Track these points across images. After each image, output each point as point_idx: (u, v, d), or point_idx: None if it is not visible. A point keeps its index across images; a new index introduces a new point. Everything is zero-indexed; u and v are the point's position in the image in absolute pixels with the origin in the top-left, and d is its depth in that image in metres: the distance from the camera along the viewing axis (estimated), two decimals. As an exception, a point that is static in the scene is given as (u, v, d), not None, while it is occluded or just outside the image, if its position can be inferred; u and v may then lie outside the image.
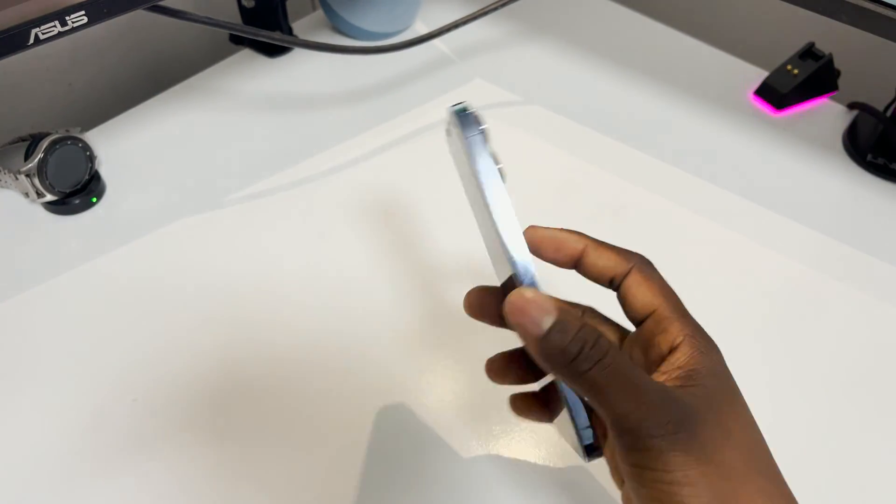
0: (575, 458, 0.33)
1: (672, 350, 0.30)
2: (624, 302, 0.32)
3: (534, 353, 0.26)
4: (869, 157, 0.58)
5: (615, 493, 0.31)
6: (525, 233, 0.32)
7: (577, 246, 0.32)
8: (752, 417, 0.29)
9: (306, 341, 0.46)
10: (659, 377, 0.29)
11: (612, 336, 0.33)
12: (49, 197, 0.51)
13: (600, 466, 0.32)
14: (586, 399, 0.28)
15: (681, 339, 0.30)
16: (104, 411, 0.43)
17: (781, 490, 0.28)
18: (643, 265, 0.32)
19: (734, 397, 0.29)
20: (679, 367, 0.29)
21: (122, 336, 0.46)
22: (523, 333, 0.26)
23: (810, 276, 0.50)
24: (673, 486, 0.26)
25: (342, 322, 0.47)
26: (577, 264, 0.33)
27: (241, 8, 0.65)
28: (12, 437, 0.42)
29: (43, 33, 0.43)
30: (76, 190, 0.53)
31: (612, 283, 0.32)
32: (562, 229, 0.33)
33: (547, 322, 0.26)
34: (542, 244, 0.33)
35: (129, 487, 0.39)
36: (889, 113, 0.59)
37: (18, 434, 0.42)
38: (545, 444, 0.41)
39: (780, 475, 0.29)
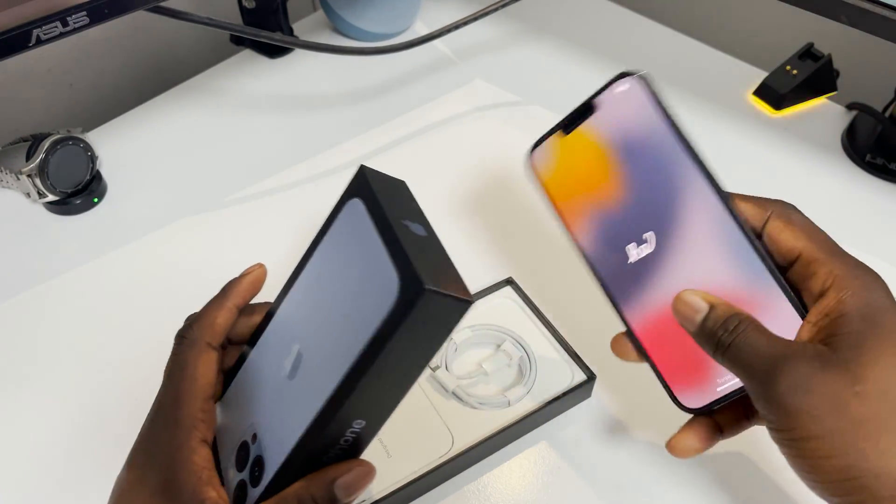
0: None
1: (822, 294, 0.30)
2: (770, 250, 0.32)
3: (696, 341, 0.31)
4: (868, 157, 0.58)
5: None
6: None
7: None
8: None
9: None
10: (807, 327, 0.30)
11: None
12: (50, 197, 0.52)
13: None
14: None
15: (830, 281, 0.30)
16: (105, 411, 0.43)
17: None
18: (782, 210, 0.33)
19: (884, 343, 0.28)
20: (826, 315, 0.29)
21: (123, 336, 0.46)
22: (686, 327, 0.31)
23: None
24: (800, 442, 0.28)
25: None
26: None
27: (242, 8, 0.65)
28: (12, 436, 0.42)
29: (44, 34, 0.43)
30: (77, 190, 0.53)
31: (758, 234, 0.33)
32: None
33: (698, 318, 0.31)
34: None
35: (130, 486, 0.39)
36: (888, 113, 0.59)
37: (19, 434, 0.42)
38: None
39: None
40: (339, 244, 0.31)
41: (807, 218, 0.33)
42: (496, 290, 0.46)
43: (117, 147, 0.58)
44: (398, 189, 0.31)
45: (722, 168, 0.57)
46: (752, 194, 0.34)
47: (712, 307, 0.31)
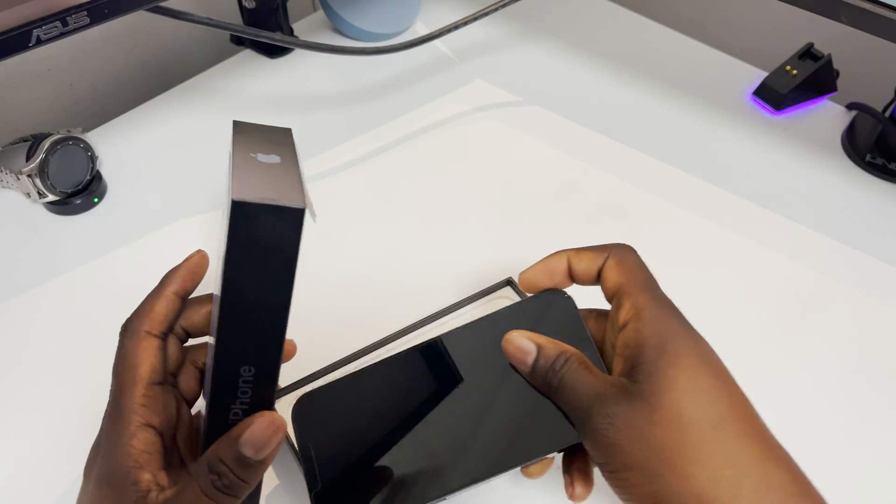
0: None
1: (624, 325, 0.32)
2: (603, 289, 0.34)
3: (531, 382, 0.33)
4: (868, 157, 0.58)
5: None
6: (519, 280, 0.36)
7: (561, 264, 0.35)
8: (709, 382, 0.30)
9: (306, 340, 0.46)
10: (618, 358, 0.31)
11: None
12: (51, 197, 0.52)
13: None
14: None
15: (632, 313, 0.32)
16: (104, 411, 0.43)
17: (739, 456, 0.28)
18: (617, 251, 0.34)
19: (676, 368, 0.30)
20: (627, 345, 0.31)
21: (124, 335, 0.46)
22: (520, 370, 0.33)
23: (809, 276, 0.51)
24: (614, 474, 0.30)
25: (342, 321, 0.47)
26: (572, 278, 0.35)
27: (242, 9, 0.65)
28: (13, 436, 0.42)
29: (44, 34, 0.43)
30: (77, 190, 0.53)
31: (594, 279, 0.35)
32: (546, 258, 0.36)
33: (530, 358, 0.33)
34: (536, 281, 0.36)
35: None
36: (888, 113, 0.59)
37: (19, 433, 0.42)
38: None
39: (748, 436, 0.29)
40: (224, 206, 0.30)
41: (638, 259, 0.34)
42: (496, 290, 0.46)
43: (117, 147, 0.58)
44: (272, 133, 0.30)
45: (722, 168, 0.58)
46: (592, 245, 0.35)
47: (540, 348, 0.32)
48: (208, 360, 0.32)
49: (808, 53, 0.63)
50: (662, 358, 0.30)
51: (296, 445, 0.34)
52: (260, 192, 0.25)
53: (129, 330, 0.32)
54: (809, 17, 0.53)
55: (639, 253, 0.35)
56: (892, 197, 0.56)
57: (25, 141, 0.55)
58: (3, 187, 0.54)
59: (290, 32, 0.67)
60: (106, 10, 0.45)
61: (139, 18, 0.50)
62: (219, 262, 0.28)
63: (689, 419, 0.29)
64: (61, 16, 0.43)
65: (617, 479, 0.30)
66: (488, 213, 0.54)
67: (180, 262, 0.33)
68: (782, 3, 0.53)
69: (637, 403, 0.29)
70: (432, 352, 0.35)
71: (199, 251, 0.33)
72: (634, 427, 0.29)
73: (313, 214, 0.26)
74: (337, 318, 0.47)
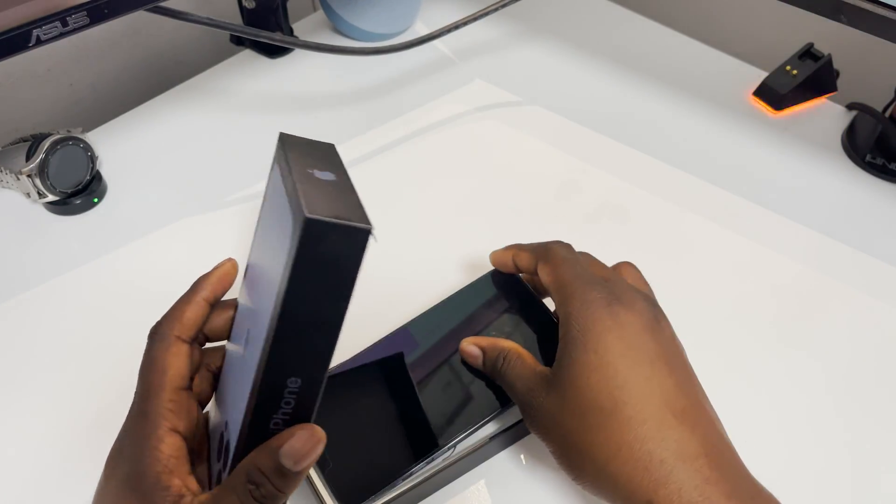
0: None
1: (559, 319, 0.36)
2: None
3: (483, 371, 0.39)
4: (868, 157, 0.58)
5: None
6: (490, 257, 0.43)
7: (507, 255, 0.41)
8: (615, 362, 0.33)
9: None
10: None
11: None
12: (50, 197, 0.52)
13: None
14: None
15: (560, 310, 0.36)
16: (106, 411, 0.43)
17: (621, 438, 0.32)
18: (545, 252, 0.38)
19: (576, 358, 0.34)
20: (561, 338, 0.35)
21: (124, 336, 0.46)
22: (475, 366, 0.39)
23: (809, 276, 0.51)
24: (556, 458, 0.35)
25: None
26: (518, 267, 0.41)
27: (242, 9, 0.65)
28: (13, 436, 0.42)
29: (44, 34, 0.43)
30: (77, 190, 0.53)
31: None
32: (503, 248, 0.42)
33: (479, 361, 0.38)
34: (495, 264, 0.43)
35: (130, 486, 0.39)
36: (888, 113, 0.59)
37: (19, 433, 0.42)
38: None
39: (653, 405, 0.32)
40: (264, 216, 0.31)
41: (564, 254, 0.38)
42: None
43: (117, 147, 0.58)
44: (319, 149, 0.31)
45: (722, 168, 0.58)
46: (531, 243, 0.41)
47: (483, 351, 0.38)
48: (230, 366, 0.32)
49: (808, 53, 0.63)
50: (573, 350, 0.34)
51: None
52: (330, 211, 0.26)
53: (158, 334, 0.32)
54: (809, 17, 0.53)
55: (572, 246, 0.39)
56: (892, 197, 0.56)
57: (25, 141, 0.55)
58: (3, 187, 0.54)
59: (290, 32, 0.67)
60: (106, 10, 0.45)
61: (139, 18, 0.50)
62: (265, 273, 0.29)
63: (587, 407, 0.33)
64: (61, 16, 0.43)
65: (556, 460, 0.35)
66: (488, 213, 0.54)
67: (211, 268, 0.34)
68: (782, 3, 0.53)
69: (553, 395, 0.34)
70: (406, 335, 0.41)
71: (230, 260, 0.35)
72: (550, 416, 0.34)
73: (375, 237, 0.27)
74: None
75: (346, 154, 0.59)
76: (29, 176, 0.50)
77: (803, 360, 0.46)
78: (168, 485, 0.28)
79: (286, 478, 0.27)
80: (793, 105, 0.62)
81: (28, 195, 0.51)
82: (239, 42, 0.69)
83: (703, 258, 0.51)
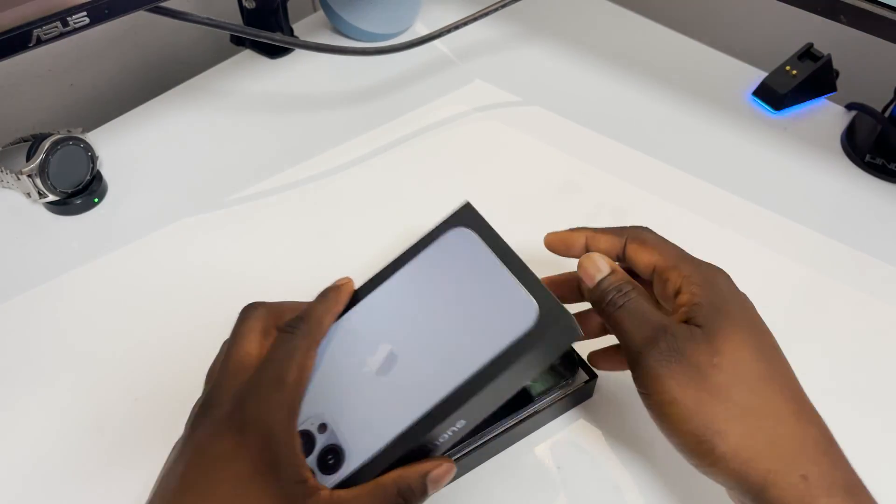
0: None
1: (677, 293, 0.34)
2: (631, 271, 0.37)
3: (587, 296, 0.36)
4: (867, 157, 0.58)
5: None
6: (544, 239, 0.39)
7: (580, 240, 0.38)
8: (757, 340, 0.32)
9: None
10: (672, 318, 0.33)
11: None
12: (51, 197, 0.52)
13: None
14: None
15: (680, 282, 0.34)
16: (106, 411, 0.43)
17: (779, 409, 0.31)
18: (636, 233, 0.37)
19: (733, 324, 0.32)
20: (683, 306, 0.33)
21: (124, 336, 0.46)
22: (585, 283, 0.36)
23: (809, 276, 0.51)
24: (664, 406, 0.31)
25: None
26: (589, 249, 0.38)
27: (242, 9, 0.65)
28: (14, 436, 0.42)
29: (44, 34, 0.43)
30: (78, 190, 0.53)
31: (619, 260, 0.37)
32: (569, 229, 0.39)
33: (598, 277, 0.35)
34: (553, 245, 0.39)
35: (131, 487, 0.39)
36: (888, 113, 0.59)
37: (20, 434, 0.42)
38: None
39: (787, 392, 0.32)
40: (445, 263, 0.34)
41: (657, 235, 0.37)
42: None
43: (118, 147, 0.58)
44: (491, 229, 0.35)
45: (721, 168, 0.58)
46: (609, 227, 0.38)
47: (612, 271, 0.35)
48: (341, 373, 0.33)
49: (807, 54, 0.63)
50: (719, 315, 0.32)
51: None
52: (556, 304, 0.30)
53: (302, 330, 0.33)
54: (809, 17, 0.53)
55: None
56: (891, 197, 0.56)
57: (26, 141, 0.55)
58: (4, 187, 0.54)
59: (291, 33, 0.67)
60: (106, 11, 0.45)
61: (139, 19, 0.50)
62: (441, 324, 0.32)
63: (744, 370, 0.31)
64: (61, 16, 0.43)
65: (663, 411, 0.32)
66: (488, 213, 0.54)
67: (339, 283, 0.37)
68: (782, 3, 0.53)
69: (701, 343, 0.31)
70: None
71: (349, 279, 0.37)
72: (695, 364, 0.31)
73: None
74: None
75: (346, 154, 0.59)
76: (29, 176, 0.50)
77: (803, 361, 0.46)
78: (304, 477, 0.29)
79: (420, 498, 0.31)
80: (792, 105, 0.62)
81: (28, 195, 0.51)
82: (239, 42, 0.69)
83: (702, 258, 0.51)
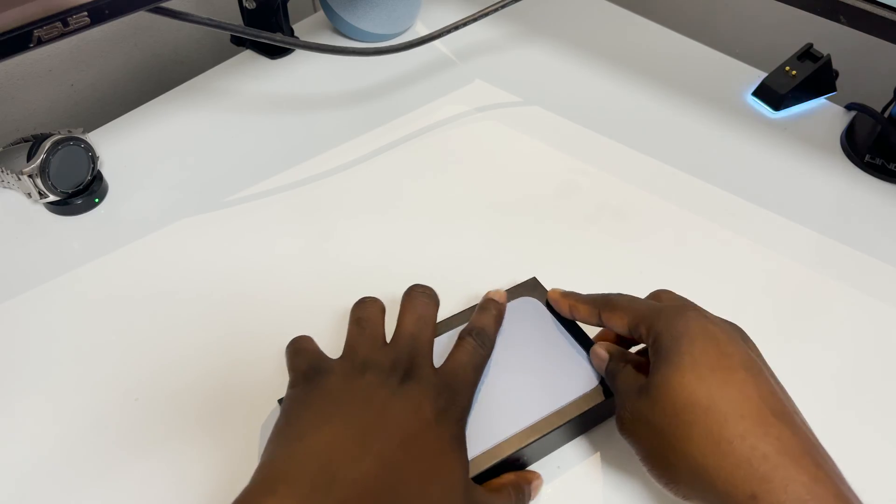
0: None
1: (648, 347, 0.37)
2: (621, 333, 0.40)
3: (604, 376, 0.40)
4: (867, 157, 0.58)
5: None
6: (548, 294, 0.44)
7: (565, 304, 0.42)
8: (699, 372, 0.33)
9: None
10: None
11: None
12: (51, 197, 0.52)
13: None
14: None
15: (645, 338, 0.37)
16: (106, 411, 0.43)
17: (725, 434, 0.32)
18: (606, 302, 0.40)
19: (669, 364, 0.34)
20: (650, 349, 0.36)
21: (125, 336, 0.47)
22: (601, 369, 0.40)
23: (808, 276, 0.51)
24: (643, 462, 0.35)
25: (345, 322, 0.47)
26: (575, 317, 0.43)
27: (243, 9, 0.65)
28: (14, 436, 0.42)
29: (45, 34, 0.43)
30: (78, 190, 0.53)
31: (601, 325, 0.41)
32: (561, 294, 0.43)
33: (605, 364, 0.39)
34: (554, 305, 0.44)
35: (131, 487, 0.39)
36: (887, 114, 0.59)
37: (20, 434, 0.42)
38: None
39: (740, 413, 0.32)
40: (518, 325, 0.43)
41: (628, 298, 0.39)
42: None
43: (118, 147, 0.58)
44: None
45: (721, 168, 0.58)
46: (588, 295, 0.42)
47: (610, 355, 0.39)
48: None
49: (807, 54, 0.63)
50: (664, 359, 0.34)
51: None
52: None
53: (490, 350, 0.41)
54: (809, 18, 0.53)
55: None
56: (891, 197, 0.56)
57: (26, 141, 0.55)
58: (4, 187, 0.54)
59: (291, 33, 0.67)
60: (106, 11, 0.45)
61: (140, 19, 0.50)
62: (539, 367, 0.41)
63: (681, 406, 0.33)
64: (62, 16, 0.43)
65: (645, 464, 0.35)
66: (488, 214, 0.54)
67: (493, 296, 0.43)
68: (782, 4, 0.53)
69: (644, 398, 0.34)
70: None
71: (503, 295, 0.44)
72: (643, 418, 0.34)
73: None
74: (337, 319, 0.47)
75: (346, 154, 0.59)
76: (30, 176, 0.50)
77: (803, 361, 0.46)
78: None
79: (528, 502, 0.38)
80: (792, 105, 0.62)
81: (29, 195, 0.51)
82: (239, 42, 0.69)
83: (702, 258, 0.51)
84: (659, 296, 0.40)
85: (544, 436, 0.38)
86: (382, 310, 0.41)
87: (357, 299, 0.42)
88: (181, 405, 0.43)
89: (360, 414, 0.34)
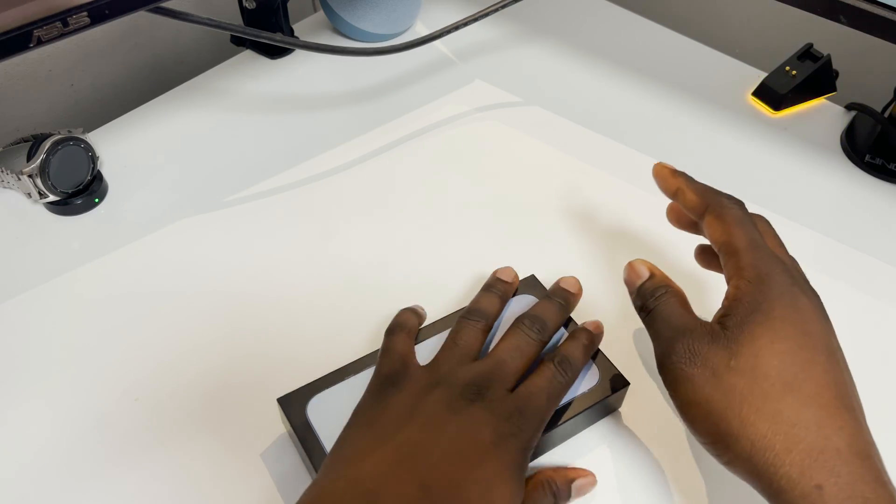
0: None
1: (729, 280, 0.35)
2: (709, 241, 0.38)
3: (632, 300, 0.38)
4: (867, 157, 0.58)
5: None
6: (653, 166, 0.41)
7: (672, 185, 0.40)
8: (792, 343, 0.32)
9: (309, 341, 0.46)
10: (719, 309, 0.34)
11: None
12: (51, 197, 0.52)
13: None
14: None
15: (735, 271, 0.34)
16: (106, 411, 0.43)
17: (801, 415, 0.30)
18: (718, 206, 0.37)
19: (765, 325, 0.32)
20: (727, 298, 0.34)
21: (125, 336, 0.47)
22: (629, 289, 0.38)
23: (809, 276, 0.51)
24: (682, 407, 0.33)
25: (345, 322, 0.47)
26: (676, 199, 0.40)
27: (243, 9, 0.65)
28: (14, 436, 0.42)
29: (45, 34, 0.43)
30: (78, 190, 0.53)
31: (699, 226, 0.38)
32: (671, 170, 0.41)
33: (638, 283, 0.37)
34: (655, 175, 0.41)
35: (131, 487, 0.39)
36: (887, 114, 0.59)
37: (20, 434, 0.42)
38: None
39: (818, 398, 0.31)
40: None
41: (739, 213, 0.37)
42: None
43: (118, 147, 0.58)
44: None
45: (721, 168, 0.58)
46: (704, 184, 0.39)
47: (651, 276, 0.37)
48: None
49: (807, 54, 0.63)
50: (753, 315, 0.32)
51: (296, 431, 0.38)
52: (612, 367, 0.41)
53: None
54: (809, 18, 0.53)
55: (744, 204, 0.38)
56: (891, 197, 0.56)
57: (26, 141, 0.55)
58: (4, 187, 0.54)
59: (291, 33, 0.67)
60: (106, 11, 0.45)
61: (140, 19, 0.50)
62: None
63: (763, 373, 0.31)
64: (62, 16, 0.43)
65: (683, 410, 0.33)
66: (488, 213, 0.54)
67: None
68: (782, 4, 0.53)
69: (720, 346, 0.32)
70: None
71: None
72: (711, 367, 0.32)
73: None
74: (337, 319, 0.47)
75: (346, 154, 0.59)
76: (30, 176, 0.50)
77: (802, 360, 0.46)
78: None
79: (568, 501, 0.37)
80: (792, 105, 0.62)
81: (29, 195, 0.51)
82: (239, 42, 0.69)
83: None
84: (761, 228, 0.37)
85: (549, 431, 0.38)
86: (485, 330, 0.40)
87: (466, 308, 0.42)
88: (181, 405, 0.43)
89: (415, 436, 0.33)
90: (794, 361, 0.31)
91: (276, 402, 0.40)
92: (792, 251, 0.52)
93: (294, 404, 0.39)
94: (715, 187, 0.39)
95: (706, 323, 0.33)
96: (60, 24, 0.43)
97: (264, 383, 0.43)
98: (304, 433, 0.38)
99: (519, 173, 0.57)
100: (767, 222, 0.39)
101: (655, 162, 0.41)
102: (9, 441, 0.42)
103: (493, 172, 0.57)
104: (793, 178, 0.57)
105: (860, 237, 0.53)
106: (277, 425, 0.41)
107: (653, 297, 0.36)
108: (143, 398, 0.43)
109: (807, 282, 0.36)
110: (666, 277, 0.37)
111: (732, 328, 0.32)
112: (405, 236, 0.52)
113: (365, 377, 0.39)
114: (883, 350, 0.46)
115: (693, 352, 0.32)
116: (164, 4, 0.48)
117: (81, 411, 0.43)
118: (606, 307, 0.48)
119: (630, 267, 0.38)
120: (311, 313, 0.47)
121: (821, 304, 0.35)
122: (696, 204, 0.38)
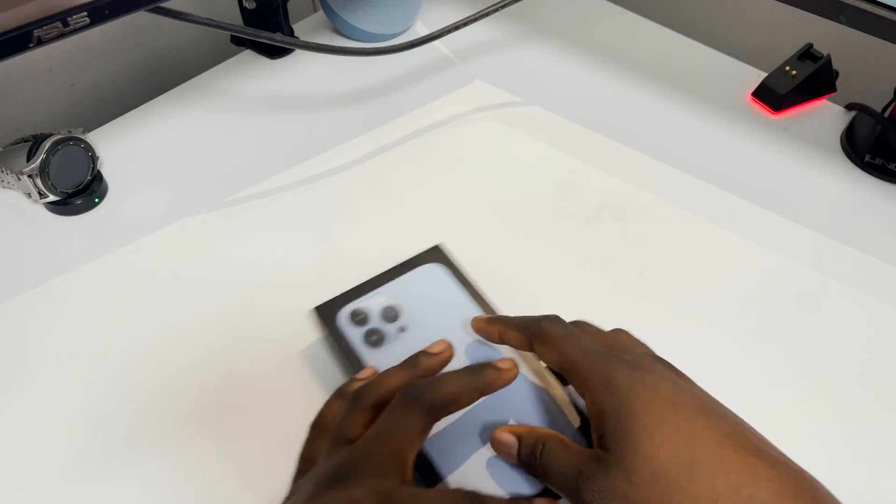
0: None
1: (583, 396, 0.34)
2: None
3: (522, 470, 0.35)
4: (867, 157, 0.58)
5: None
6: (471, 322, 0.40)
7: (493, 331, 0.38)
8: (671, 428, 0.31)
9: (309, 341, 0.46)
10: (592, 430, 0.33)
11: None
12: (51, 197, 0.52)
13: None
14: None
15: (580, 386, 0.34)
16: (106, 411, 0.43)
17: (715, 487, 0.29)
18: (540, 331, 0.36)
19: (639, 427, 0.31)
20: (592, 417, 0.33)
21: (124, 336, 0.47)
22: (510, 461, 0.35)
23: (808, 276, 0.51)
24: None
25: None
26: (504, 343, 0.38)
27: (243, 9, 0.65)
28: (14, 436, 0.42)
29: (45, 34, 0.43)
30: (78, 190, 0.53)
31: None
32: (486, 320, 0.39)
33: (514, 450, 0.35)
34: (476, 331, 0.40)
35: (131, 487, 0.39)
36: (887, 114, 0.59)
37: (20, 434, 0.42)
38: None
39: (723, 463, 0.30)
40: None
41: (562, 328, 0.36)
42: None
43: (118, 147, 0.58)
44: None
45: (721, 168, 0.58)
46: (521, 316, 0.38)
47: (520, 438, 0.35)
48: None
49: (807, 54, 0.63)
50: (619, 423, 0.31)
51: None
52: None
53: (433, 409, 0.34)
54: (809, 18, 0.53)
55: (562, 318, 0.36)
56: (891, 197, 0.56)
57: (26, 141, 0.55)
58: (4, 187, 0.54)
59: (291, 33, 0.67)
60: (106, 11, 0.45)
61: (140, 19, 0.50)
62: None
63: (662, 472, 0.30)
64: (62, 16, 0.43)
65: None
66: (488, 213, 0.54)
67: (437, 352, 0.38)
68: (782, 4, 0.53)
69: (614, 472, 0.31)
70: None
71: (448, 345, 0.38)
72: (620, 494, 0.30)
73: None
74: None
75: (346, 154, 0.59)
76: (30, 176, 0.50)
77: (803, 361, 0.46)
78: None
79: None
80: (792, 105, 0.62)
81: (29, 195, 0.51)
82: (239, 43, 0.69)
83: (702, 259, 0.51)
84: (585, 332, 0.37)
85: None
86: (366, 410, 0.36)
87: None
88: (181, 405, 0.43)
89: None
90: (679, 441, 0.30)
91: (275, 402, 0.40)
92: (792, 251, 0.52)
93: (325, 315, 0.42)
94: (530, 314, 0.38)
95: (592, 453, 0.32)
96: (60, 24, 0.43)
97: (264, 383, 0.43)
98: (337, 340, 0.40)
99: (519, 173, 0.57)
100: (585, 322, 0.38)
101: (472, 319, 0.40)
102: (9, 441, 0.42)
103: (492, 172, 0.57)
104: (793, 179, 0.57)
105: (860, 237, 0.53)
106: (279, 422, 0.41)
107: (536, 458, 0.34)
108: (143, 398, 0.43)
109: (646, 355, 0.35)
110: (530, 428, 0.35)
111: (613, 447, 0.31)
112: (405, 236, 0.52)
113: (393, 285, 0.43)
114: (883, 350, 0.46)
115: (599, 489, 0.31)
116: (164, 4, 0.48)
117: (81, 411, 0.43)
118: (607, 307, 0.48)
119: (495, 441, 0.36)
120: (311, 313, 0.47)
121: (668, 367, 0.34)
122: (521, 340, 0.37)
